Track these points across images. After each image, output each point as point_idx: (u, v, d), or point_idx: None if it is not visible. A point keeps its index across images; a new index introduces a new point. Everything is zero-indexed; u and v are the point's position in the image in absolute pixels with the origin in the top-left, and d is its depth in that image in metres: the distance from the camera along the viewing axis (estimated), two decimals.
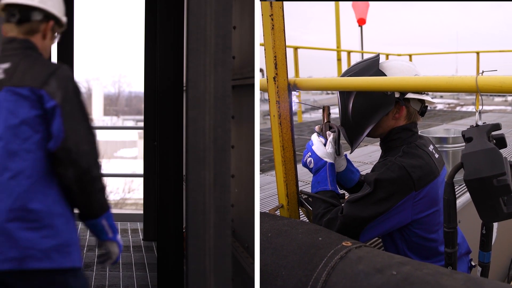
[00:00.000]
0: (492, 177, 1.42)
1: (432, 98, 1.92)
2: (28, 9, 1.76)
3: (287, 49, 1.92)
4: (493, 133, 1.56)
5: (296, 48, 8.85)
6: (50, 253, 1.66)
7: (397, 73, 1.85)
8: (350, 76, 1.90)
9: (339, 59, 10.20)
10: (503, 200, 1.45)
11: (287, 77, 1.90)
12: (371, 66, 1.88)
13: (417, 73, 1.86)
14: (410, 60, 11.24)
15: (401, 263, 1.30)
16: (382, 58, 1.93)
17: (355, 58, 10.60)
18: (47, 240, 1.66)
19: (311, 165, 1.91)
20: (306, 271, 1.40)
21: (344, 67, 10.33)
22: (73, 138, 1.67)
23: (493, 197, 1.44)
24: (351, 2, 11.53)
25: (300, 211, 2.02)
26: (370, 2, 11.50)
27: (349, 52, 10.46)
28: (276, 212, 1.97)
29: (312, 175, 1.93)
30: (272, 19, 1.83)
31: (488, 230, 1.70)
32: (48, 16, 1.80)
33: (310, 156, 1.92)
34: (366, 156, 4.93)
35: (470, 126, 1.56)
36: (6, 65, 1.71)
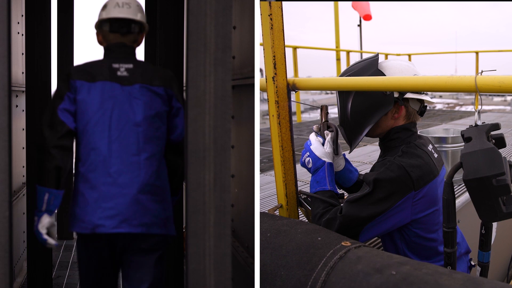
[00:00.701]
0: (491, 177, 1.42)
1: (431, 98, 1.92)
2: (133, 23, 2.15)
3: (286, 49, 1.92)
4: (492, 133, 1.56)
5: (295, 48, 8.85)
6: (165, 222, 2.08)
7: (396, 72, 1.85)
8: (349, 76, 1.90)
9: (338, 59, 10.21)
10: (502, 199, 1.45)
11: (286, 77, 1.91)
12: (370, 66, 1.87)
13: (416, 72, 1.86)
14: (410, 60, 11.24)
15: (400, 263, 1.30)
16: (381, 58, 1.93)
17: (354, 58, 10.62)
18: (165, 211, 2.08)
19: (310, 165, 1.91)
20: (305, 271, 1.40)
21: (343, 67, 10.33)
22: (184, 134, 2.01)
23: (492, 197, 1.44)
24: (350, 2, 11.52)
25: (299, 211, 2.02)
26: (370, 2, 11.49)
27: (348, 52, 10.46)
28: (275, 212, 1.97)
29: (311, 175, 1.93)
30: (271, 19, 1.83)
31: (487, 229, 1.70)
32: (142, 28, 2.20)
33: (308, 156, 1.92)
34: (365, 155, 4.94)
35: (469, 126, 1.56)
36: (129, 65, 2.08)
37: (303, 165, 1.95)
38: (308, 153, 1.92)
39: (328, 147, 1.90)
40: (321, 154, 1.89)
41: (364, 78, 1.81)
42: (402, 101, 1.83)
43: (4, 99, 1.88)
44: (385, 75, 1.83)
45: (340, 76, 1.97)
